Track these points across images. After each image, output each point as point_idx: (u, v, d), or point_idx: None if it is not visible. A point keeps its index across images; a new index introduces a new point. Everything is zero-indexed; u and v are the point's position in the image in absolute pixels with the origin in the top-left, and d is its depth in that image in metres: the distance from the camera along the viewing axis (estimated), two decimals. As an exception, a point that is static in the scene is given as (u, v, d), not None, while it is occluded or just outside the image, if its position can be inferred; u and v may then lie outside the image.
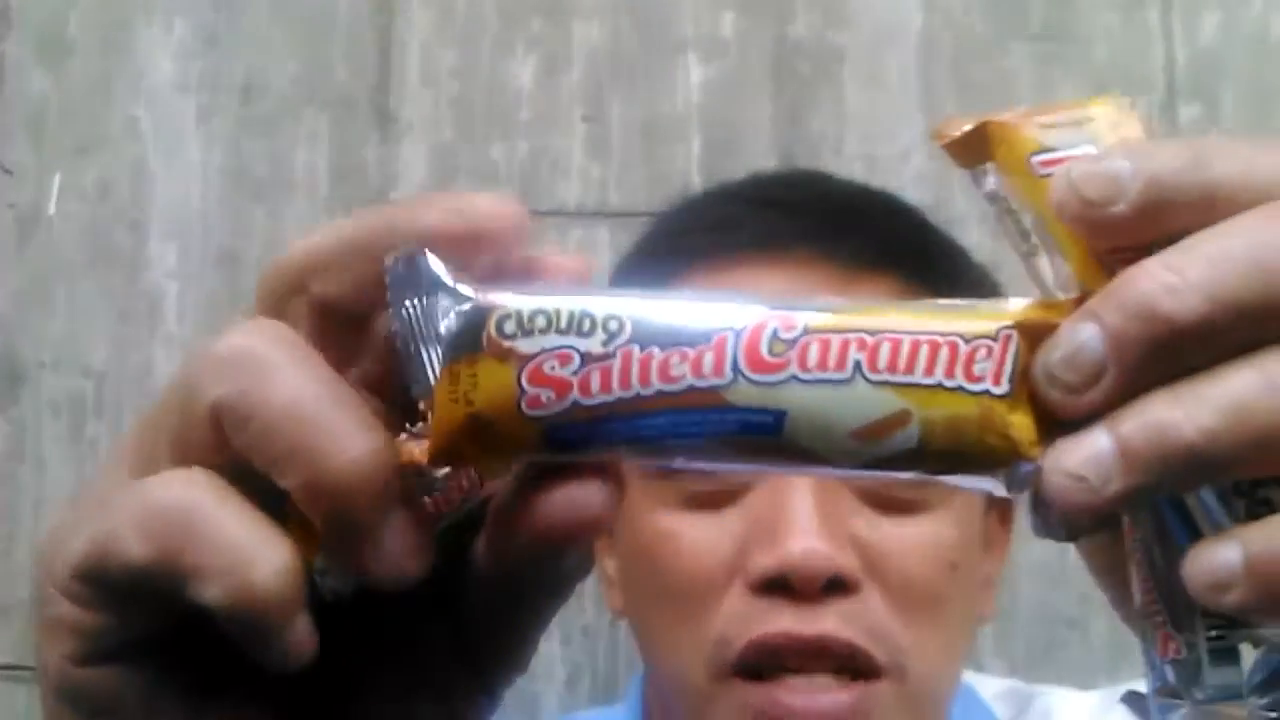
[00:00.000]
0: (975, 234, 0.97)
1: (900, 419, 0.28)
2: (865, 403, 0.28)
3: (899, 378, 0.28)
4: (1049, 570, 0.93)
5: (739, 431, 0.28)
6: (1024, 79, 0.99)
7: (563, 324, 0.28)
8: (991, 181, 0.31)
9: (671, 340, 0.28)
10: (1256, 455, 0.26)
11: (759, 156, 0.97)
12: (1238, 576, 0.26)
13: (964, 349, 0.28)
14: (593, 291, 0.29)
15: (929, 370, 0.28)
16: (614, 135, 0.98)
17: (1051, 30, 0.99)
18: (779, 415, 0.28)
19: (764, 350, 0.28)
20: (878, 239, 0.64)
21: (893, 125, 0.98)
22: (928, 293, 0.63)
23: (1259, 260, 0.26)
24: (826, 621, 0.57)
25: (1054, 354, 0.27)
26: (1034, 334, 0.28)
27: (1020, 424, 0.28)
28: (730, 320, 0.28)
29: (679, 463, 0.29)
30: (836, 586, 0.57)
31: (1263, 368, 0.26)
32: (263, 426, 0.28)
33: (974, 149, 0.31)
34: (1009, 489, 0.28)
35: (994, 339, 0.28)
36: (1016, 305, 0.29)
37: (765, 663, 0.57)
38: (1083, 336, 0.27)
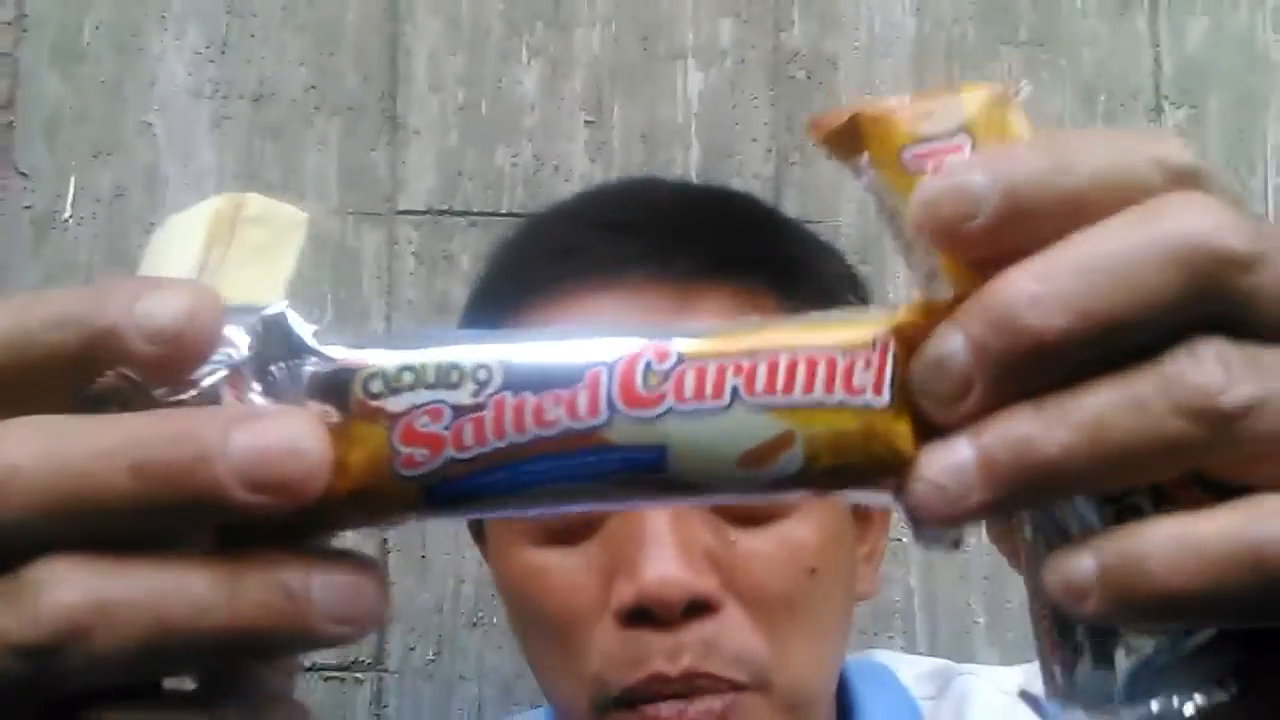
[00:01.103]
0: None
1: (783, 442, 0.27)
2: (746, 429, 0.27)
3: (778, 400, 0.27)
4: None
5: (623, 470, 0.27)
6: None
7: (430, 378, 0.27)
8: (867, 175, 0.30)
9: (544, 383, 0.27)
10: (1117, 472, 0.26)
11: (756, 161, 0.99)
12: (1091, 585, 0.26)
13: (842, 362, 0.27)
14: (461, 339, 0.27)
15: (808, 388, 0.27)
16: (615, 140, 0.99)
17: (1041, 37, 1.01)
18: (660, 450, 0.27)
19: (639, 384, 0.27)
20: (708, 250, 0.63)
21: (887, 130, 1.00)
22: (770, 296, 0.62)
23: (1119, 271, 0.26)
24: (688, 655, 0.57)
25: (922, 365, 0.27)
26: (911, 339, 0.27)
27: (903, 433, 0.27)
28: (603, 355, 0.27)
29: (568, 509, 0.28)
30: (697, 609, 0.57)
31: (1125, 384, 0.26)
32: None
33: (849, 141, 0.30)
34: (897, 499, 0.28)
35: (872, 348, 0.27)
36: (894, 311, 0.28)
37: (641, 699, 0.58)
38: (947, 348, 0.26)
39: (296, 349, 0.27)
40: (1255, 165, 1.00)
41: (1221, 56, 1.01)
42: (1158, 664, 0.28)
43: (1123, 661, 0.28)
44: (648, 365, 0.27)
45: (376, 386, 0.27)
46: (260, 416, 0.26)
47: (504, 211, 0.98)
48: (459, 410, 0.27)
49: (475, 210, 0.98)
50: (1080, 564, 0.26)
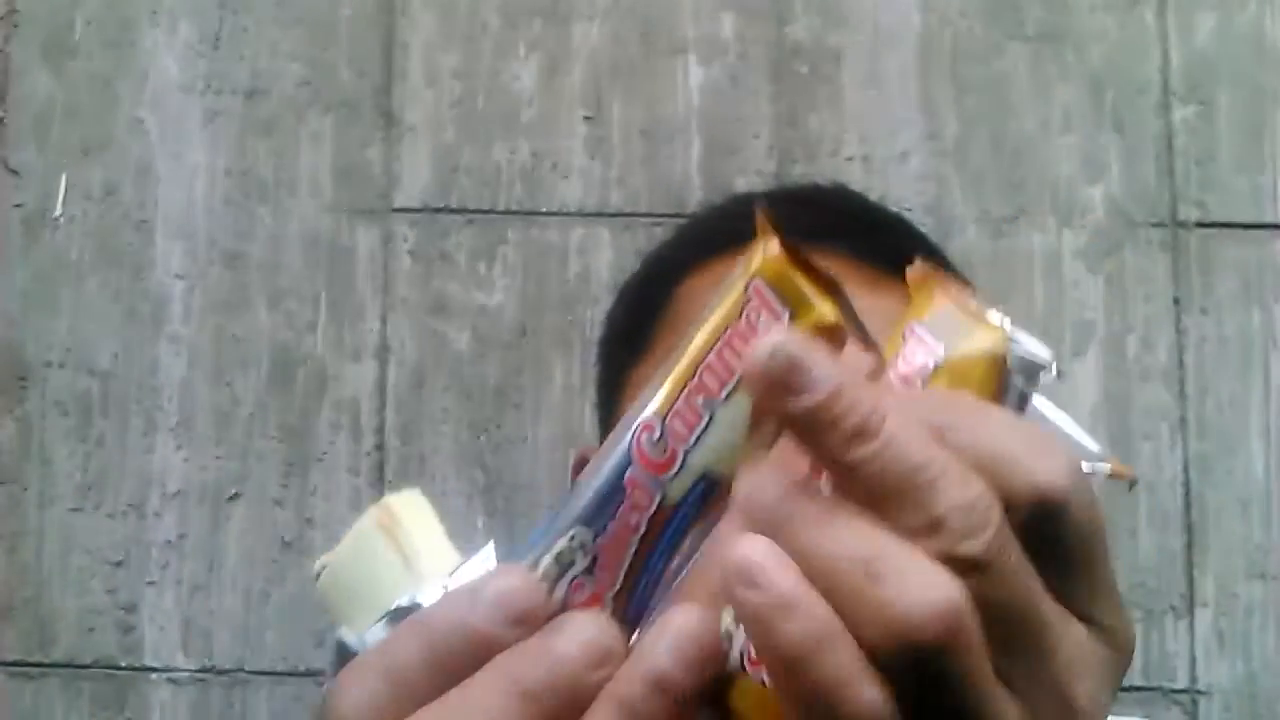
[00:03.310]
0: (973, 234, 0.98)
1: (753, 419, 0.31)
2: (736, 417, 0.31)
3: (733, 382, 0.31)
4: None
5: (701, 507, 0.32)
6: (1021, 80, 0.99)
7: (557, 568, 0.32)
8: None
9: (609, 508, 0.32)
10: None
11: (758, 157, 0.98)
12: None
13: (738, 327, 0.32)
14: (541, 533, 0.33)
15: (738, 355, 0.31)
16: (615, 136, 0.98)
17: (1048, 32, 1.00)
18: (704, 477, 0.32)
19: (654, 457, 0.32)
20: (902, 250, 0.66)
21: (891, 126, 0.99)
22: (878, 265, 0.65)
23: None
24: None
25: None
26: (774, 280, 0.32)
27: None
28: (619, 462, 0.32)
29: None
30: None
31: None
32: None
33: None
34: None
35: (747, 302, 0.32)
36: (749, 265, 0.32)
37: None
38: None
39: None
40: (1265, 162, 0.99)
41: (1230, 51, 1.00)
42: None
43: None
44: (650, 440, 0.32)
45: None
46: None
47: (501, 209, 0.97)
48: (589, 571, 0.32)
49: (472, 207, 0.97)
50: None
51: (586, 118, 0.98)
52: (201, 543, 0.94)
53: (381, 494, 0.94)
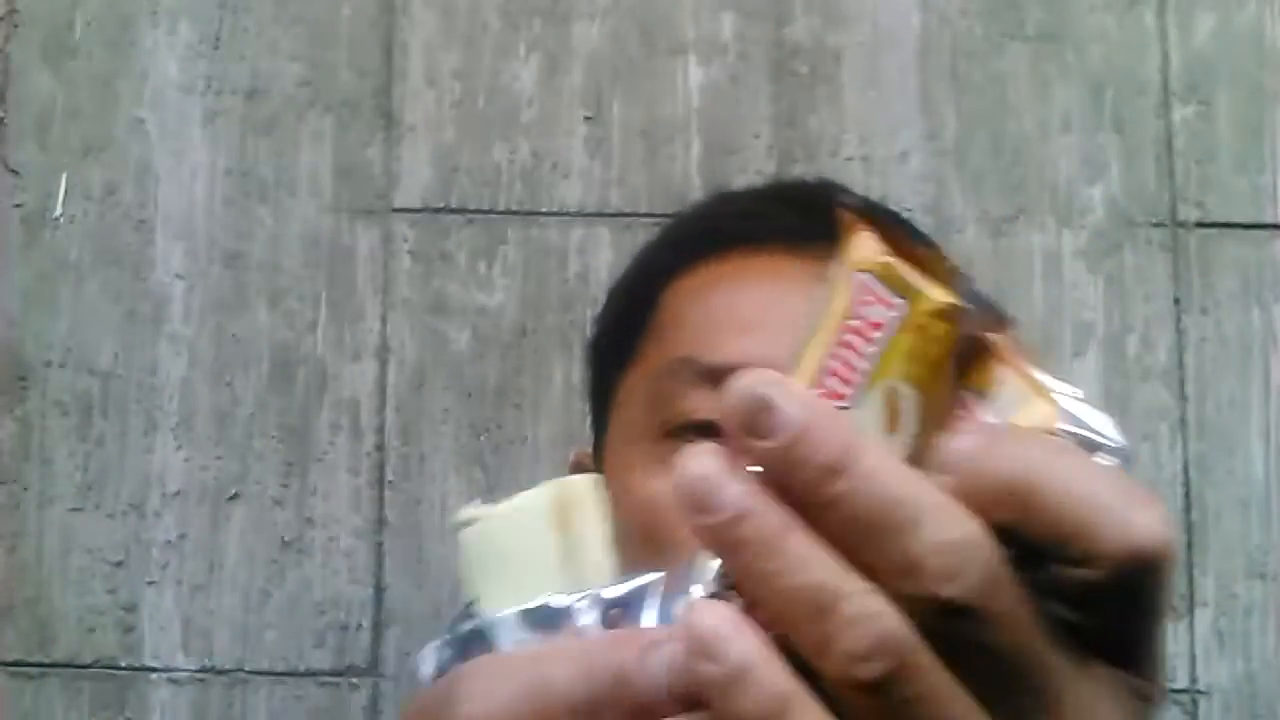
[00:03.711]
0: (972, 234, 0.98)
1: (890, 396, 0.28)
2: (869, 409, 0.28)
3: (860, 375, 0.28)
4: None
5: None
6: (1020, 80, 0.99)
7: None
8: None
9: None
10: None
11: (758, 157, 0.98)
12: None
13: (858, 320, 0.29)
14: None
15: (861, 355, 0.28)
16: (615, 136, 0.98)
17: (1047, 32, 1.00)
18: None
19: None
20: (814, 213, 0.67)
21: (891, 126, 0.99)
22: None
23: None
24: None
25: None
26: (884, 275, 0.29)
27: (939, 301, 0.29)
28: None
29: None
30: None
31: None
32: None
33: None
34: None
35: (863, 283, 0.29)
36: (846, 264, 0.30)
37: None
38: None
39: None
40: (1264, 162, 0.99)
41: (1230, 51, 1.00)
42: None
43: None
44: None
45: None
46: None
47: (501, 209, 0.97)
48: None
49: (472, 207, 0.97)
50: None
51: (586, 118, 0.98)
52: (202, 542, 0.94)
53: (381, 494, 0.94)
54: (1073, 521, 0.28)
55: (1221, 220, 0.98)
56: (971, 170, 0.98)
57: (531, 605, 0.33)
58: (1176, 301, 0.97)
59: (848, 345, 0.28)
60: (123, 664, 0.93)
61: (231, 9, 0.98)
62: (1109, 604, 0.29)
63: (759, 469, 0.28)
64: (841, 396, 0.28)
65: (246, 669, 0.93)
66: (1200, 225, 0.98)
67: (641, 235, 0.96)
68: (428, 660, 0.34)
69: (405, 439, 0.95)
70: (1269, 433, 0.96)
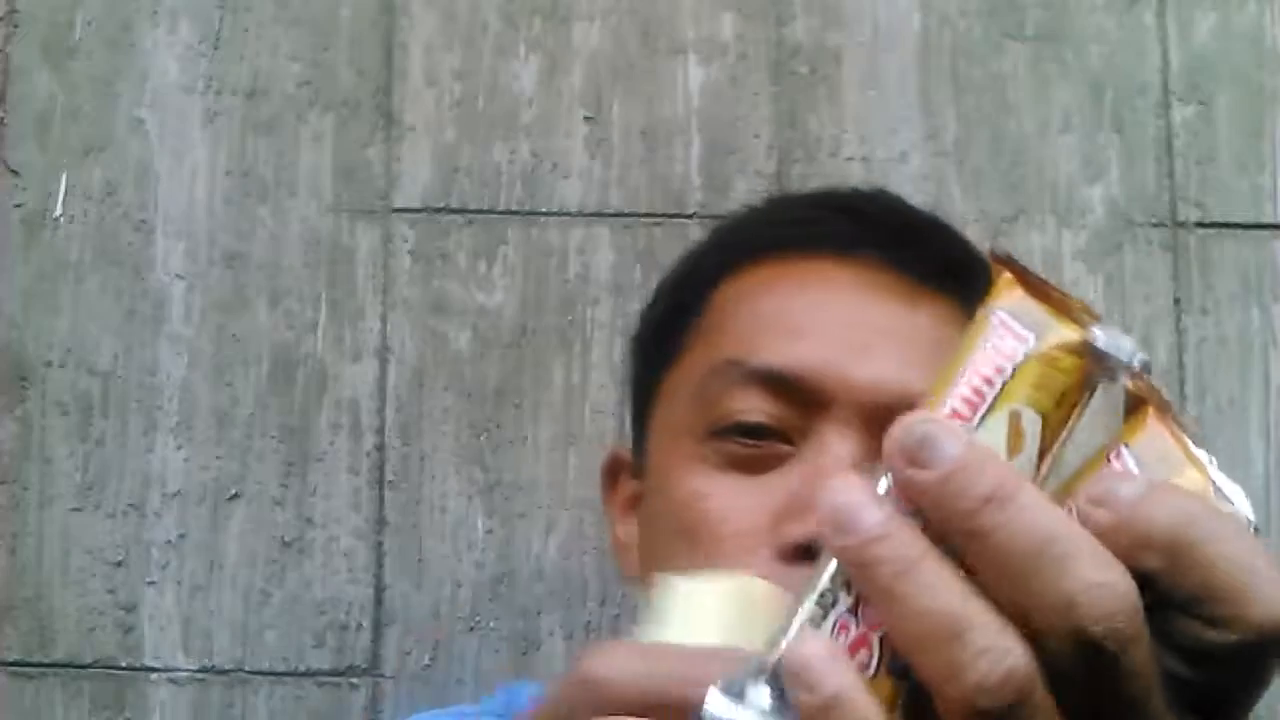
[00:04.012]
0: (972, 234, 0.98)
1: (1014, 419, 0.30)
2: (991, 435, 0.31)
3: (986, 400, 0.31)
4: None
5: None
6: (1020, 80, 0.99)
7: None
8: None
9: None
10: None
11: (758, 157, 0.98)
12: None
13: (991, 346, 0.31)
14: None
15: (990, 381, 0.31)
16: (615, 136, 0.98)
17: (1047, 32, 1.00)
18: None
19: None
20: (941, 258, 0.67)
21: (891, 126, 0.99)
22: (915, 275, 0.65)
23: None
24: None
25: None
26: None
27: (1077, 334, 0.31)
28: None
29: None
30: None
31: None
32: None
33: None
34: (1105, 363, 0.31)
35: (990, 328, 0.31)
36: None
37: None
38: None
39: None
40: (1264, 162, 0.99)
41: (1230, 52, 1.00)
42: None
43: None
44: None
45: None
46: None
47: (501, 209, 0.97)
48: (853, 611, 0.31)
49: (472, 208, 0.97)
50: None
51: (586, 118, 0.98)
52: (201, 542, 0.94)
53: (382, 494, 0.94)
54: (1226, 584, 0.29)
55: (1221, 220, 0.98)
56: (971, 170, 0.98)
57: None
58: (1176, 301, 0.97)
59: (979, 374, 0.31)
60: (123, 664, 0.93)
61: (231, 9, 0.98)
62: (1233, 668, 0.30)
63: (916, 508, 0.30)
64: (967, 419, 0.30)
65: (246, 669, 0.93)
66: (1200, 225, 0.98)
67: (642, 235, 0.96)
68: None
69: (405, 439, 0.95)
70: (1269, 432, 0.96)
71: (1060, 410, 0.31)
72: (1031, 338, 0.31)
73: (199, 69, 0.98)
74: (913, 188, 0.98)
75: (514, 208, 0.97)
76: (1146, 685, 0.29)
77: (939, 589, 0.29)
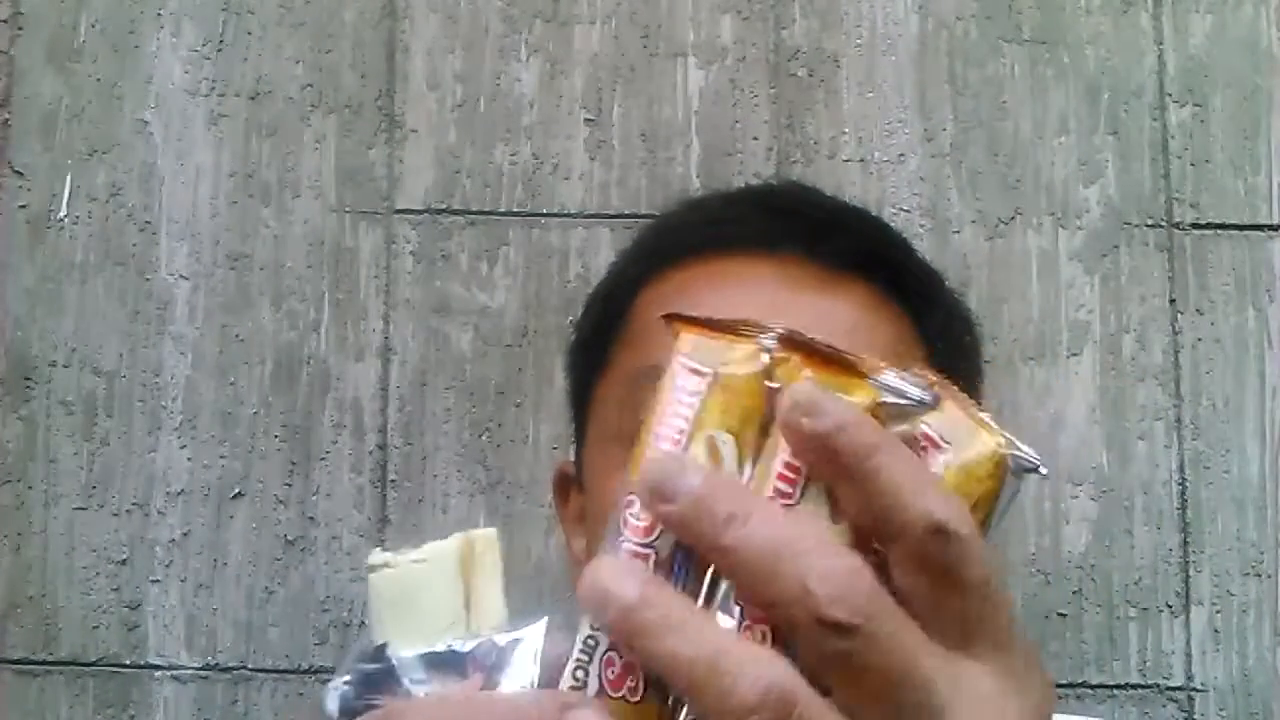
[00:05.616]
0: (970, 235, 0.99)
1: (710, 443, 0.35)
2: (694, 455, 0.36)
3: (684, 434, 0.35)
4: (1040, 564, 0.94)
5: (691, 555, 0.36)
6: (1017, 83, 1.00)
7: None
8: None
9: None
10: None
11: (757, 160, 0.99)
12: None
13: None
14: None
15: (684, 418, 0.35)
16: (615, 138, 0.99)
17: (1044, 34, 1.00)
18: None
19: (635, 524, 0.35)
20: (856, 246, 0.67)
21: (888, 129, 0.99)
22: (905, 309, 0.66)
23: None
24: None
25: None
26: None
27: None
28: (610, 544, 0.36)
29: None
30: None
31: None
32: None
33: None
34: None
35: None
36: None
37: None
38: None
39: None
40: (1259, 163, 0.99)
41: (1225, 54, 1.00)
42: None
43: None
44: (634, 513, 0.35)
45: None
46: None
47: (502, 210, 0.98)
48: (615, 647, 0.35)
49: (474, 209, 0.98)
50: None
51: (587, 120, 0.99)
52: (205, 541, 0.94)
53: (384, 493, 0.95)
54: (887, 497, 0.33)
55: (1217, 221, 0.99)
56: (968, 172, 0.99)
57: (434, 649, 0.37)
58: (1172, 302, 0.98)
59: (677, 414, 0.35)
60: (127, 662, 0.93)
61: (235, 12, 0.99)
62: (929, 578, 0.33)
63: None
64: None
65: (250, 666, 0.93)
66: (1196, 226, 0.99)
67: (642, 236, 0.97)
68: (332, 698, 0.38)
69: (407, 438, 0.95)
70: (1264, 432, 0.96)
71: (749, 427, 0.35)
72: (711, 373, 0.35)
73: (203, 71, 0.98)
74: (910, 189, 0.98)
75: (515, 209, 0.98)
76: (909, 653, 0.32)
77: (693, 633, 0.32)
